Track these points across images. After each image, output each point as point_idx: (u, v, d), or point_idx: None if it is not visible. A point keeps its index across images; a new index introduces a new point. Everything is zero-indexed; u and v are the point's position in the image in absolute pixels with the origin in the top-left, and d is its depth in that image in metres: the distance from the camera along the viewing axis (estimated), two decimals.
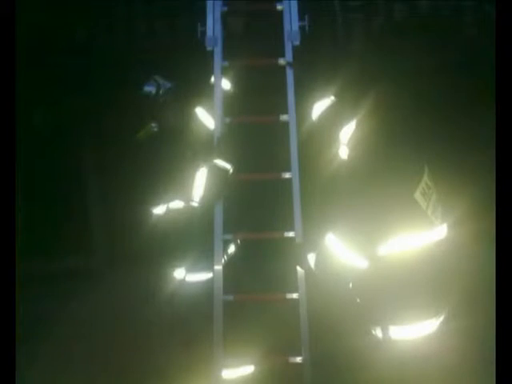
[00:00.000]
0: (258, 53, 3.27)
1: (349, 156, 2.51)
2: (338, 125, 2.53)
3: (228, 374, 2.92)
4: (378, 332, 2.45)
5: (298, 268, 2.90)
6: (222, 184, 3.08)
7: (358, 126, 2.47)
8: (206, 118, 3.28)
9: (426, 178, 2.37)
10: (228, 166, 3.09)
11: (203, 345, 3.05)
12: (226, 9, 3.27)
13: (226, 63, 3.20)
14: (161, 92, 3.42)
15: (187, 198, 3.29)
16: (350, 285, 2.43)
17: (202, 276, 3.45)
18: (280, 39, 3.19)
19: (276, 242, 3.10)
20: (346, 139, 2.50)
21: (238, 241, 3.37)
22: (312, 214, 2.96)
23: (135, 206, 3.86)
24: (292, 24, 3.18)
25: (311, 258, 2.55)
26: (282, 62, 3.16)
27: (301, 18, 3.18)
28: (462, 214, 2.74)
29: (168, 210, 3.47)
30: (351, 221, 2.31)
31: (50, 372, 3.40)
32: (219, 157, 3.08)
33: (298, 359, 2.91)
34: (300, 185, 3.02)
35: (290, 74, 3.14)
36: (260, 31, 3.43)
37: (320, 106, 2.71)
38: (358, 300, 2.47)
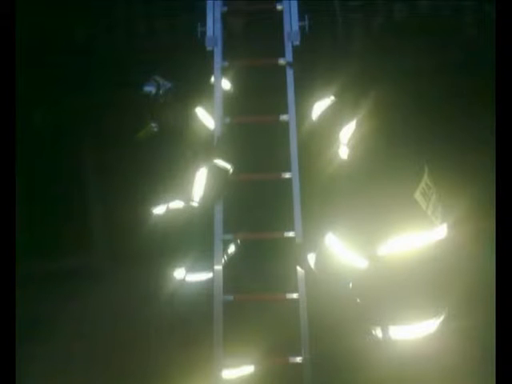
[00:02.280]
0: (257, 53, 3.27)
1: (349, 156, 2.51)
2: (337, 125, 2.53)
3: (228, 374, 2.92)
4: (377, 332, 2.45)
5: (298, 268, 2.90)
6: (221, 184, 3.07)
7: (358, 126, 2.47)
8: (206, 118, 3.28)
9: (426, 178, 2.37)
10: (228, 166, 3.09)
11: (203, 345, 3.05)
12: (225, 9, 3.27)
13: (226, 63, 3.20)
14: (161, 92, 3.42)
15: (187, 198, 3.29)
16: (350, 285, 2.43)
17: (202, 276, 3.45)
18: (280, 39, 3.19)
19: (276, 242, 3.10)
20: (346, 139, 2.50)
21: (238, 241, 3.37)
22: (312, 214, 2.96)
23: (135, 206, 3.86)
24: (292, 24, 3.17)
25: (311, 258, 2.55)
26: (282, 61, 3.16)
27: (301, 18, 3.18)
28: (462, 213, 2.74)
29: (168, 210, 3.47)
30: (351, 221, 2.31)
31: (50, 372, 3.40)
32: (219, 157, 3.08)
33: (298, 359, 2.91)
34: (300, 185, 3.02)
35: (290, 74, 3.13)
36: (260, 31, 3.42)
37: (320, 106, 2.71)
38: (358, 300, 2.47)
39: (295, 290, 2.95)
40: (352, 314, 2.55)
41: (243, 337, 3.02)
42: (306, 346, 2.90)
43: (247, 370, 2.98)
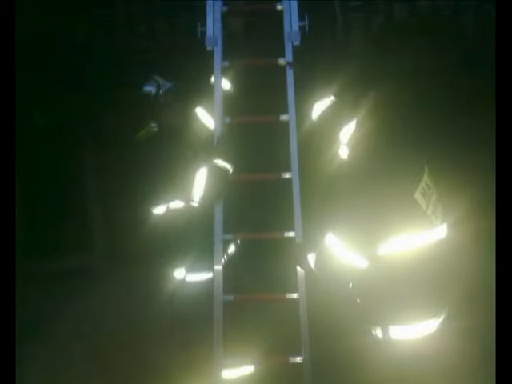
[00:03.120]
0: (258, 53, 3.27)
1: (349, 156, 2.51)
2: (337, 125, 2.53)
3: (228, 373, 2.92)
4: (377, 332, 2.45)
5: (298, 268, 2.90)
6: (222, 184, 3.08)
7: (358, 125, 2.46)
8: (206, 118, 3.28)
9: (426, 178, 2.37)
10: (228, 166, 3.09)
11: (203, 345, 3.05)
12: (225, 9, 3.27)
13: (226, 63, 3.20)
14: (161, 92, 3.42)
15: (187, 198, 3.29)
16: (350, 285, 2.43)
17: (202, 276, 3.45)
18: (280, 39, 3.19)
19: (276, 242, 3.10)
20: (346, 139, 2.50)
21: (238, 241, 3.37)
22: (312, 214, 2.96)
23: (135, 206, 3.86)
24: (292, 24, 3.17)
25: (311, 258, 2.55)
26: (282, 61, 3.16)
27: (301, 18, 3.18)
28: (462, 213, 2.74)
29: (168, 210, 3.47)
30: (351, 221, 2.30)
31: (50, 372, 3.40)
32: (219, 157, 3.08)
33: (298, 359, 2.91)
34: (300, 185, 3.02)
35: (290, 74, 3.13)
36: (260, 31, 3.43)
37: (320, 106, 2.71)
38: (358, 300, 2.47)
39: (295, 290, 2.95)
40: (352, 314, 2.55)
41: (243, 337, 3.02)
42: (306, 346, 2.90)
43: (247, 369, 2.98)
